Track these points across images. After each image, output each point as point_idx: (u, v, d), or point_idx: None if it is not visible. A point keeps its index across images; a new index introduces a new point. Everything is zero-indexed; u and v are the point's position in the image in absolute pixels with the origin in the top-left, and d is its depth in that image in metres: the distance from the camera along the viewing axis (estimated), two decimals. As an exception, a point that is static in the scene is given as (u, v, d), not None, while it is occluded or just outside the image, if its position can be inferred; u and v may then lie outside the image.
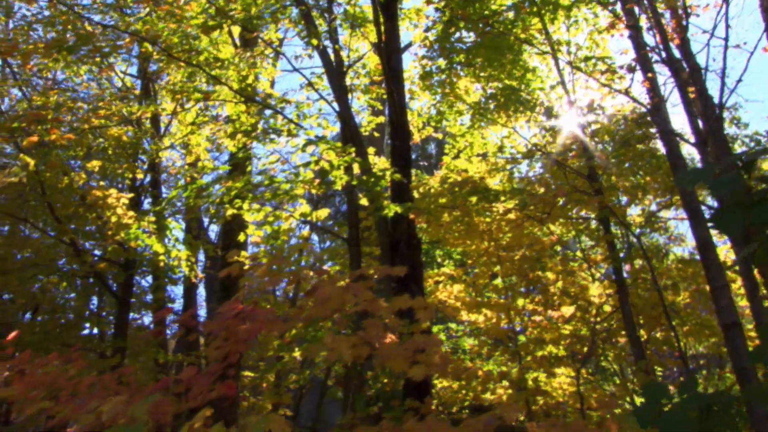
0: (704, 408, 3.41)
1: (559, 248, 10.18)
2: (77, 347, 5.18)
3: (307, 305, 5.12)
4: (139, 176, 9.18)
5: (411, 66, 10.97)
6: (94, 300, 13.35)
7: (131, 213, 7.84)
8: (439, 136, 11.43)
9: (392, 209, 6.75)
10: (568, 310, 9.01)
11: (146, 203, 10.17)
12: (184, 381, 4.15)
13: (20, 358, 5.04)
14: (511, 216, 9.09)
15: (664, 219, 10.20)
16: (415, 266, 7.23)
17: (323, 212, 7.80)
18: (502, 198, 8.92)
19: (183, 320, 6.84)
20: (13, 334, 4.90)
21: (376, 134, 11.06)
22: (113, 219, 7.76)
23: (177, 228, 8.04)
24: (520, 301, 9.30)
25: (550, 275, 8.80)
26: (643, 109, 8.97)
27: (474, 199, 7.99)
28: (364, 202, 7.52)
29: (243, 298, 5.24)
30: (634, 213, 10.80)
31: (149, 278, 12.00)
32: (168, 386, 4.47)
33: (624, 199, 9.99)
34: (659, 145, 9.40)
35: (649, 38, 8.14)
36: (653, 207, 10.23)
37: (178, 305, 12.92)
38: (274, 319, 4.23)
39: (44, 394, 4.73)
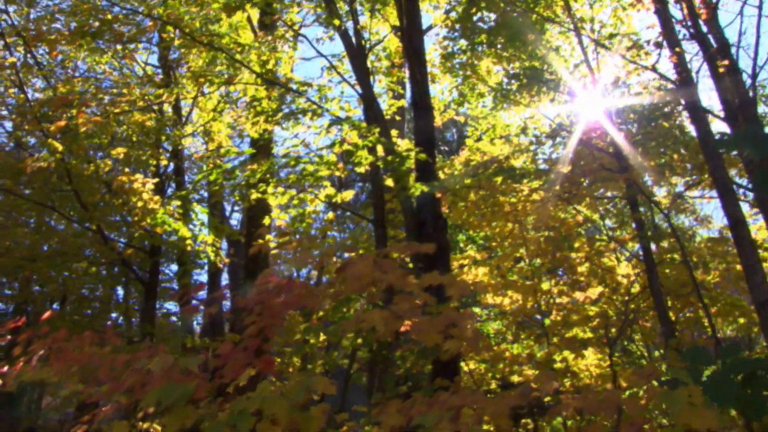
0: (748, 373, 3.33)
1: (584, 230, 10.05)
2: (111, 326, 5.23)
3: (337, 283, 5.11)
4: (163, 163, 9.22)
5: (431, 49, 10.88)
6: (119, 291, 13.52)
7: (157, 198, 7.88)
8: (461, 119, 11.35)
9: (418, 188, 6.70)
10: (594, 292, 8.90)
11: (170, 191, 10.23)
12: (222, 355, 4.16)
13: (55, 337, 5.09)
14: (536, 196, 8.99)
15: (691, 198, 10.01)
16: (442, 246, 7.18)
17: (348, 193, 7.79)
18: (525, 181, 8.83)
19: (213, 298, 6.88)
20: (47, 314, 4.95)
21: (397, 117, 11.00)
22: (139, 204, 7.81)
23: (202, 212, 8.06)
24: (546, 285, 9.20)
25: (577, 255, 8.68)
26: (671, 86, 8.81)
27: (499, 179, 7.91)
28: (389, 183, 7.48)
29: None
30: (659, 194, 10.65)
31: (174, 267, 12.11)
32: (206, 361, 4.49)
33: (650, 181, 9.84)
34: (686, 123, 9.25)
35: (676, 12, 7.99)
36: (680, 188, 10.06)
37: (202, 294, 13.01)
38: (309, 293, 4.22)
39: (82, 371, 4.78)
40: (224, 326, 10.85)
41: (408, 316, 4.77)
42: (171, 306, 12.69)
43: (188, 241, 7.90)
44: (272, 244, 9.00)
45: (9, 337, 5.15)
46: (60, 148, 6.69)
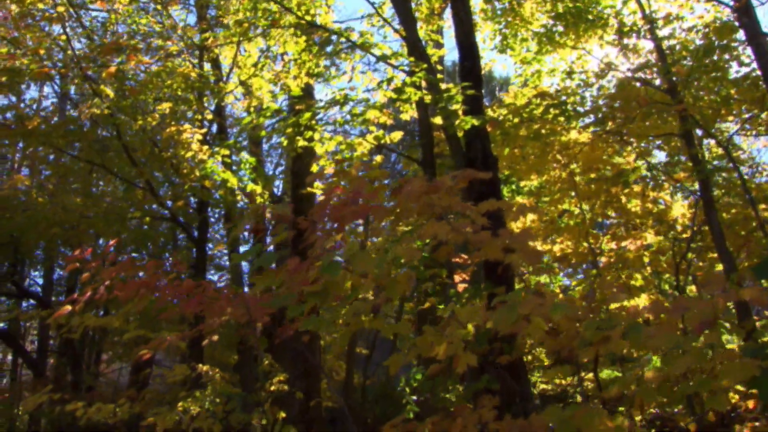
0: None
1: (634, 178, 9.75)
2: (176, 256, 5.29)
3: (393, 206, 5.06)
4: (208, 117, 9.27)
5: (473, -5, 10.61)
6: (167, 257, 13.76)
7: (206, 148, 7.93)
8: (504, 66, 11.10)
9: (468, 121, 6.57)
10: (648, 237, 8.67)
11: (215, 149, 10.28)
12: (290, 270, 4.17)
13: (122, 265, 5.18)
14: (587, 138, 8.77)
15: (752, 131, 9.57)
16: (493, 183, 7.06)
17: (397, 134, 7.69)
18: (575, 123, 8.60)
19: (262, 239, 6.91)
20: (113, 241, 5.04)
21: (439, 68, 10.81)
22: (188, 155, 7.87)
23: (250, 161, 8.08)
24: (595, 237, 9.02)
25: (630, 195, 8.45)
26: (728, 15, 8.44)
27: (550, 115, 7.71)
28: (437, 121, 7.36)
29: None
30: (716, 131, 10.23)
31: (221, 226, 12.28)
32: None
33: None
34: (744, 58, 8.83)
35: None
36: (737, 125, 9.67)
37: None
38: (376, 205, 4.18)
39: (149, 293, 4.86)
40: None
41: (469, 229, 4.70)
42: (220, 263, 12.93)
43: (237, 193, 7.94)
44: (319, 191, 9.02)
45: (78, 264, 5.26)
46: (111, 94, 6.76)
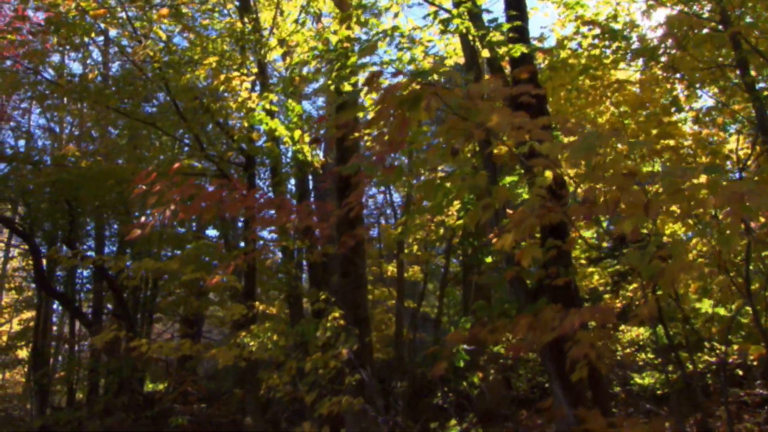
0: None
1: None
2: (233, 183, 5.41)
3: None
4: (253, 70, 9.37)
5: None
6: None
7: (255, 95, 8.04)
8: (546, 14, 10.92)
9: (518, 49, 6.51)
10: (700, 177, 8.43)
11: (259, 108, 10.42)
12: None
13: (186, 187, 5.32)
14: (635, 79, 8.62)
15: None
16: (540, 100, 6.99)
17: (444, 68, 7.65)
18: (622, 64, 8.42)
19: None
20: (176, 165, 5.17)
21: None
22: (235, 106, 7.97)
23: (297, 109, 8.17)
24: (647, 167, 8.83)
25: (681, 127, 8.25)
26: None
27: (598, 48, 7.58)
28: (484, 54, 7.30)
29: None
30: None
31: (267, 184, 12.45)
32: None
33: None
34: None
35: None
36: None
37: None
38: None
39: (217, 207, 5.00)
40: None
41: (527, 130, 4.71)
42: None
43: (286, 139, 8.03)
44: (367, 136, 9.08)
45: (144, 188, 5.42)
46: (164, 36, 6.92)
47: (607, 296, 9.70)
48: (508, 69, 7.65)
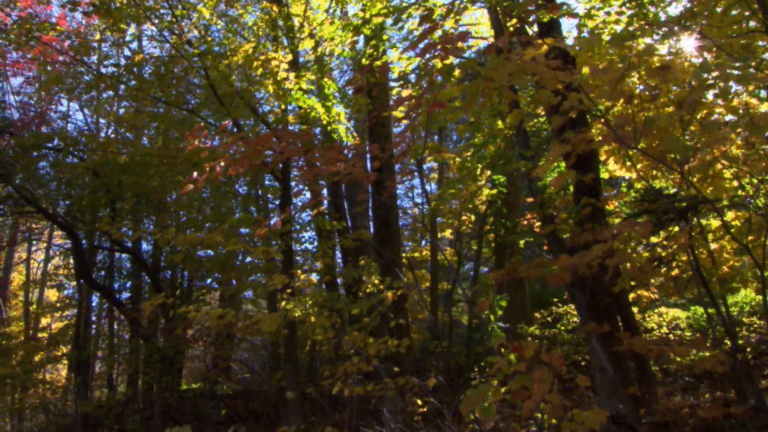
0: None
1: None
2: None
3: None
4: (288, 57, 9.64)
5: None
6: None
7: (293, 75, 8.28)
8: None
9: (546, 14, 6.68)
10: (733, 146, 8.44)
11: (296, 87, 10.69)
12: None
13: (235, 139, 5.57)
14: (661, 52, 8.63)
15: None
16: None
17: (469, 44, 7.88)
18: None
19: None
20: (226, 122, 5.44)
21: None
22: (278, 79, 8.18)
23: (333, 87, 8.42)
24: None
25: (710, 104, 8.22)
26: None
27: (625, 14, 7.67)
28: (512, 22, 7.48)
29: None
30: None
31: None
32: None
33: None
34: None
35: None
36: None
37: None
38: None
39: (263, 154, 5.23)
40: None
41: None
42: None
43: (323, 116, 8.25)
44: (399, 114, 9.29)
45: (197, 143, 5.68)
46: (207, 13, 7.21)
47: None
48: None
